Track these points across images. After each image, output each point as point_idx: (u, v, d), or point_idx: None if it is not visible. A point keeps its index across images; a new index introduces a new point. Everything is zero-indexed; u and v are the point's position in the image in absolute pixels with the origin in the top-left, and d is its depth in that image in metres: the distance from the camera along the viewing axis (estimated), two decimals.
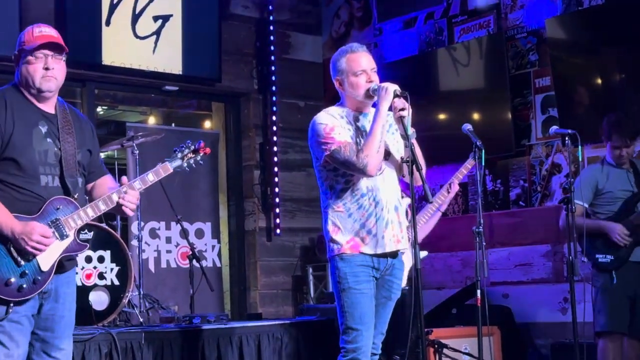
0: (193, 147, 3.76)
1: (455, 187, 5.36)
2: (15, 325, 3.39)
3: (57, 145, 3.50)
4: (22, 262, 3.36)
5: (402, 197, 5.40)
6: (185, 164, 3.74)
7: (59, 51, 3.51)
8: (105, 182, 3.72)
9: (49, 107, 3.56)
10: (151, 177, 3.63)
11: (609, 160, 5.49)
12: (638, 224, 5.29)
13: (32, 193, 3.42)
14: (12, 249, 3.35)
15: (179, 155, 3.73)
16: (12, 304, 3.34)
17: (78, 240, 3.51)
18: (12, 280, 3.33)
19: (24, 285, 3.36)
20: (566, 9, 6.86)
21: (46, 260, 3.41)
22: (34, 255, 3.38)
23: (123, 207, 3.53)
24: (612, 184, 5.38)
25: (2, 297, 3.32)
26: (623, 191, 5.38)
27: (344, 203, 3.97)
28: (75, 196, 3.51)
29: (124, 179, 3.60)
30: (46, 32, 3.53)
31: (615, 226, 5.29)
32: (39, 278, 3.39)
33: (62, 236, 3.44)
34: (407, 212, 5.62)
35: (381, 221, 3.95)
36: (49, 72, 3.47)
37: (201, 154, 3.78)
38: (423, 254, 5.60)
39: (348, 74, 4.01)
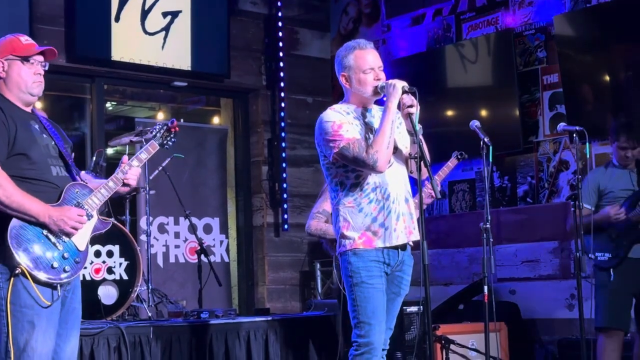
0: (166, 126, 3.97)
1: (428, 192, 4.80)
2: (54, 312, 3.49)
3: (52, 140, 3.65)
4: (60, 246, 3.49)
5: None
6: (164, 142, 3.96)
7: (46, 60, 3.68)
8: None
9: (29, 110, 3.69)
10: (144, 155, 3.82)
11: (614, 161, 5.53)
12: (638, 221, 5.31)
13: (48, 182, 3.54)
14: (48, 234, 3.47)
15: (158, 135, 3.95)
16: (59, 287, 3.47)
17: (102, 219, 3.68)
18: (56, 264, 3.47)
19: (67, 267, 3.50)
20: (574, 6, 6.86)
21: (81, 240, 3.57)
22: (70, 237, 3.52)
23: (127, 180, 3.70)
24: (613, 184, 5.43)
25: (51, 280, 3.44)
26: (624, 190, 5.41)
27: (355, 198, 3.96)
28: (85, 182, 3.67)
29: (125, 157, 3.76)
30: (33, 41, 3.68)
31: (608, 209, 5.35)
32: (78, 258, 3.55)
33: (89, 216, 3.59)
34: None
35: (392, 214, 3.95)
36: (39, 78, 3.64)
37: (173, 132, 3.98)
38: None
39: (356, 70, 3.99)
